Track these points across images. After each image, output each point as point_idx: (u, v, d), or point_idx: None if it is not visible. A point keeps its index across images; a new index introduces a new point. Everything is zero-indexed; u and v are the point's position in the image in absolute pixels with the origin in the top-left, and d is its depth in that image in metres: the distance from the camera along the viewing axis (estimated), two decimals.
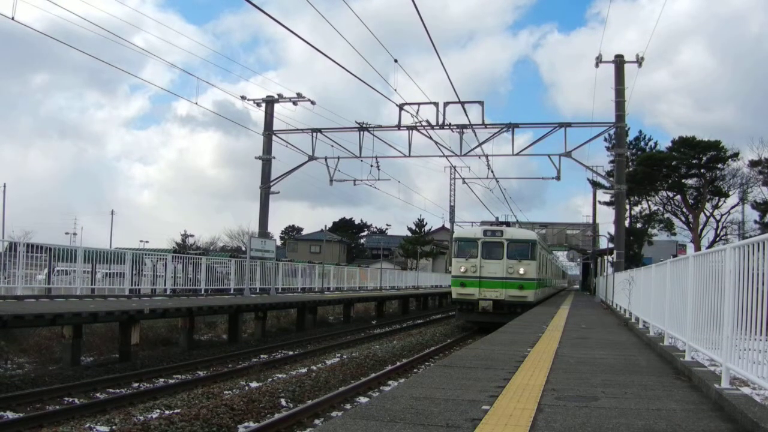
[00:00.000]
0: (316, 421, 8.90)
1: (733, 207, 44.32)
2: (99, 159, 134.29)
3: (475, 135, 26.13)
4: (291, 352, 16.83)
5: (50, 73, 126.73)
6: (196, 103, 32.30)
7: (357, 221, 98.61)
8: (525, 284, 22.17)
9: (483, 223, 26.02)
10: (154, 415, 8.66)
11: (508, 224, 25.80)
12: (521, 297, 21.99)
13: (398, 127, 25.82)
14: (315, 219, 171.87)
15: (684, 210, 45.00)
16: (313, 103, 27.33)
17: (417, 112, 24.60)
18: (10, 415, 8.97)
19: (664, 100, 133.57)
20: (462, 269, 22.61)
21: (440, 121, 24.90)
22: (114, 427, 8.04)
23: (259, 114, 28.44)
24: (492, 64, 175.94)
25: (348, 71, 17.12)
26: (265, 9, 11.49)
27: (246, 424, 8.52)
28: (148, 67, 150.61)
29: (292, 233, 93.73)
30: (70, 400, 10.18)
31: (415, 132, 26.00)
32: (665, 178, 42.91)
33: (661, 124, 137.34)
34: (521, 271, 22.18)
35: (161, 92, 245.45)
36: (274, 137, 28.21)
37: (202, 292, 21.15)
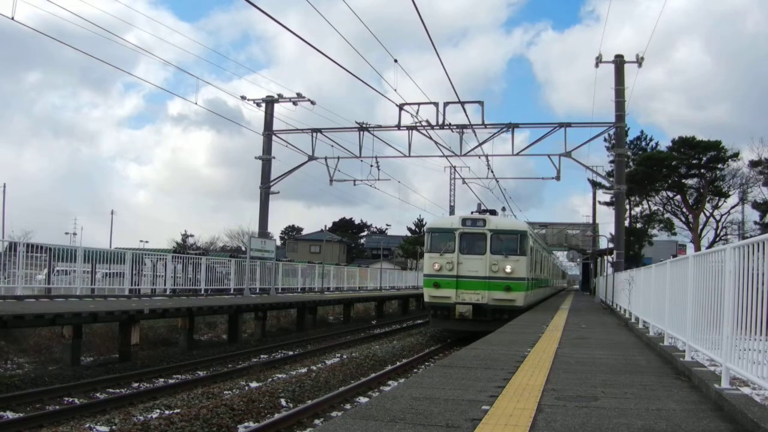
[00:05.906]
0: (316, 421, 8.90)
1: (733, 207, 44.52)
2: (94, 159, 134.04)
3: (475, 135, 26.12)
4: (291, 352, 16.83)
5: (43, 71, 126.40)
6: (196, 103, 32.37)
7: (355, 221, 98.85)
8: (512, 285, 18.41)
9: None
10: (154, 415, 8.67)
11: (493, 212, 21.51)
12: (508, 301, 18.39)
13: (398, 127, 25.81)
14: (312, 218, 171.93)
15: (684, 210, 45.09)
16: (313, 103, 27.35)
17: (417, 112, 24.62)
18: (10, 415, 8.97)
19: (658, 98, 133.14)
20: (436, 266, 18.82)
21: (440, 121, 24.89)
22: (114, 427, 8.05)
23: (253, 112, 28.51)
24: (486, 62, 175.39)
25: (343, 68, 17.20)
26: (254, 5, 11.45)
27: (246, 424, 8.53)
28: (142, 65, 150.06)
29: (292, 233, 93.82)
30: (70, 400, 10.18)
31: (414, 132, 26.02)
32: (665, 178, 42.98)
33: (655, 123, 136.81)
34: (508, 269, 18.45)
35: (155, 91, 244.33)
36: (273, 137, 28.22)
37: (202, 292, 21.15)
